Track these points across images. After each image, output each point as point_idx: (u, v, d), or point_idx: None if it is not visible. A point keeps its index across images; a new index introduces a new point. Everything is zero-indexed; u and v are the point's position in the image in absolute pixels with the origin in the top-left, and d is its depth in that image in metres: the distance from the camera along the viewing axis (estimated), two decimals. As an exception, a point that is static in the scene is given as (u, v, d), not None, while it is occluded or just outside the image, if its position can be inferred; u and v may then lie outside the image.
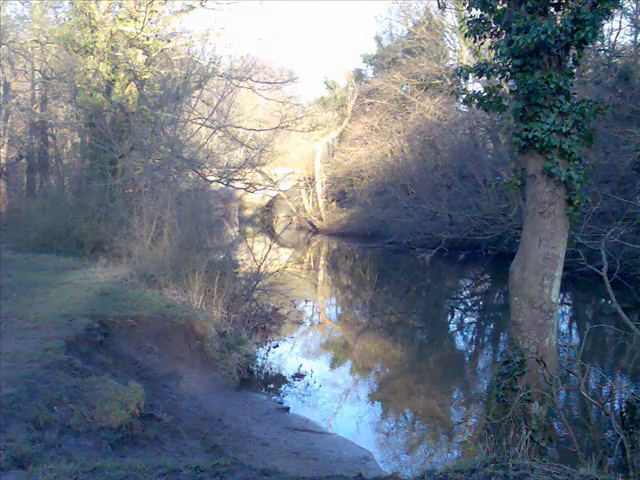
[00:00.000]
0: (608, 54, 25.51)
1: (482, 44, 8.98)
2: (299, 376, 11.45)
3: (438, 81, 35.17)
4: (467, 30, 8.28)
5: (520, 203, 18.36)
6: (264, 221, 47.51)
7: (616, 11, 15.71)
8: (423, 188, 32.38)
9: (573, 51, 7.74)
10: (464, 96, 8.36)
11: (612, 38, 25.66)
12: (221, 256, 16.05)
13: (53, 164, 25.60)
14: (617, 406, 9.44)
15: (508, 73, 7.81)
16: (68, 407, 6.22)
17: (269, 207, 48.88)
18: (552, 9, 7.71)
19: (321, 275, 27.22)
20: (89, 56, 18.63)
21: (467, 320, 19.22)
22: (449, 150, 34.49)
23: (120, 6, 19.52)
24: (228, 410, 9.04)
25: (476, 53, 29.71)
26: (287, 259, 22.63)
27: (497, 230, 25.73)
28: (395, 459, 8.49)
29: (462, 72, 8.13)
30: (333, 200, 44.55)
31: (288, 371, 11.69)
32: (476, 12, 8.09)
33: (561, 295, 9.03)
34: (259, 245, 18.85)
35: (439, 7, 14.46)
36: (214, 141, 22.02)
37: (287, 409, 9.82)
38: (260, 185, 22.38)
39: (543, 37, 7.06)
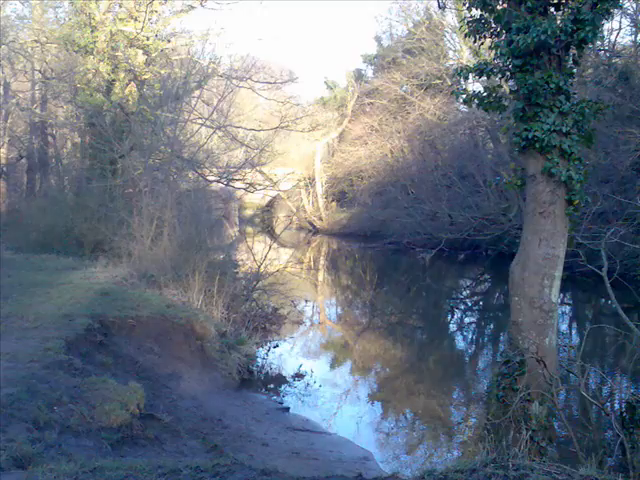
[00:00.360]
0: (608, 54, 25.49)
1: (482, 44, 8.98)
2: (299, 376, 11.44)
3: (438, 81, 35.17)
4: (467, 30, 8.29)
5: (520, 203, 18.37)
6: (264, 221, 47.51)
7: (616, 11, 15.71)
8: (423, 188, 32.39)
9: (573, 51, 7.74)
10: (464, 96, 8.36)
11: (612, 38, 25.67)
12: (221, 256, 16.05)
13: (53, 164, 25.61)
14: (617, 406, 9.45)
15: (508, 73, 7.82)
16: (68, 407, 6.22)
17: (269, 207, 48.88)
18: (552, 9, 7.72)
19: (321, 275, 27.22)
20: (89, 56, 18.64)
21: (467, 320, 19.22)
22: (449, 150, 34.50)
23: (120, 6, 19.53)
24: (228, 410, 9.04)
25: (476, 53, 29.74)
26: (287, 259, 22.63)
27: (497, 230, 25.72)
28: (395, 459, 8.49)
29: (462, 72, 8.13)
30: (333, 200, 44.57)
31: (288, 371, 11.68)
32: (476, 12, 8.10)
33: (561, 295, 9.03)
34: (259, 245, 18.87)
35: (439, 7, 14.49)
36: (214, 141, 22.02)
37: (287, 409, 9.82)
38: (260, 185, 22.33)
39: (543, 37, 7.07)
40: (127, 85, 19.15)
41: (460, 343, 16.30)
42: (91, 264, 14.54)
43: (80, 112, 20.10)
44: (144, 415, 6.98)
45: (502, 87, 8.61)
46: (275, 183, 26.59)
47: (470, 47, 31.39)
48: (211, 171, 19.54)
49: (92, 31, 18.61)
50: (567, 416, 8.20)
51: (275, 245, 22.19)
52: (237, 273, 15.67)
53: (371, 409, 10.62)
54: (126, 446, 6.21)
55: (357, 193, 40.70)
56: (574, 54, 7.78)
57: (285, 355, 13.01)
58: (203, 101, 20.69)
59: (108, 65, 18.63)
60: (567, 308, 19.12)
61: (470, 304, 21.87)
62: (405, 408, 10.77)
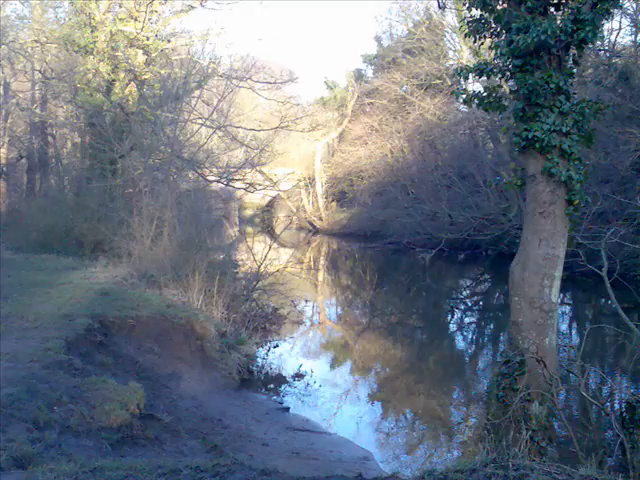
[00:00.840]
0: (608, 54, 25.48)
1: (482, 44, 8.98)
2: (299, 376, 11.44)
3: (438, 81, 35.17)
4: (467, 30, 8.29)
5: (520, 203, 18.37)
6: (264, 221, 47.51)
7: (616, 11, 15.71)
8: (423, 188, 32.40)
9: (573, 51, 7.74)
10: (464, 96, 8.36)
11: (612, 38, 25.67)
12: (221, 256, 16.05)
13: (53, 164, 25.61)
14: (617, 406, 9.45)
15: (508, 73, 7.82)
16: (68, 407, 6.22)
17: (269, 207, 48.87)
18: (552, 9, 7.72)
19: (321, 275, 27.22)
20: (89, 56, 18.64)
21: (467, 320, 19.21)
22: (449, 150, 34.50)
23: (120, 6, 19.53)
24: (228, 410, 9.04)
25: (476, 53, 29.74)
26: (287, 259, 22.63)
27: (497, 230, 25.73)
28: (395, 459, 8.49)
29: (462, 72, 8.13)
30: (333, 200, 44.57)
31: (288, 371, 11.68)
32: (476, 12, 8.10)
33: (561, 295, 9.03)
34: (259, 245, 18.87)
35: (439, 7, 14.49)
36: (214, 141, 22.02)
37: (287, 409, 9.82)
38: (260, 185, 22.33)
39: (543, 37, 7.07)
40: (127, 85, 19.15)
41: (460, 343, 16.30)
42: (91, 264, 14.54)
43: (80, 112, 20.11)
44: (144, 415, 6.98)
45: (502, 87, 8.61)
46: (275, 183, 26.60)
47: (470, 47, 31.39)
48: (211, 171, 19.54)
49: (92, 31, 18.61)
50: (567, 416, 8.20)
51: (275, 245, 22.19)
52: (237, 273, 15.67)
53: (371, 409, 10.62)
54: (126, 446, 6.21)
55: (357, 193, 40.70)
56: (574, 54, 7.78)
57: (285, 355, 13.01)
58: (203, 101, 20.68)
59: (108, 65, 18.63)
60: (567, 308, 19.12)
61: (470, 304, 21.87)
62: (405, 408, 10.77)
